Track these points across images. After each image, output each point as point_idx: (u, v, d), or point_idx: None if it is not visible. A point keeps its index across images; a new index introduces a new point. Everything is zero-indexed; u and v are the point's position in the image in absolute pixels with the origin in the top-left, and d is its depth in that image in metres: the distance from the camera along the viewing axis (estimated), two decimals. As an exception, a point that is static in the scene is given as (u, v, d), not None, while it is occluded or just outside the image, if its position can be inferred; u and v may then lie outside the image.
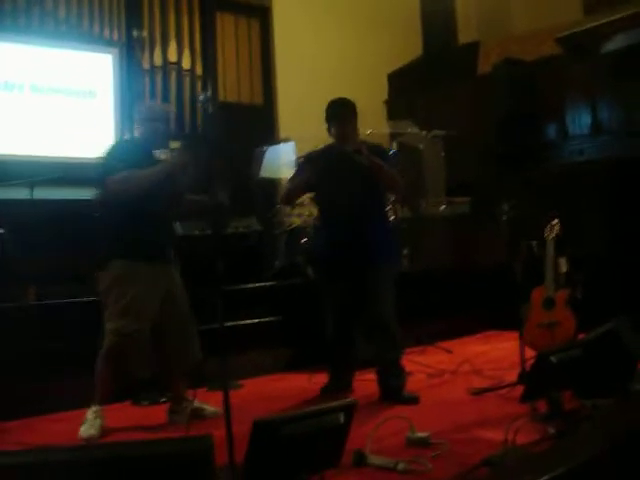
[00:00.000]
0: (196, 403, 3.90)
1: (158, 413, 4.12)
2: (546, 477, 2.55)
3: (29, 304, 4.86)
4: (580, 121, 7.55)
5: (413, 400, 4.11)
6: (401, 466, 2.82)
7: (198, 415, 3.89)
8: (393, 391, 4.21)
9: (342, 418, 2.45)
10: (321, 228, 4.62)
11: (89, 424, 3.67)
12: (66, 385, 4.26)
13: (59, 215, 5.71)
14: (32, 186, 5.58)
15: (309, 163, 4.48)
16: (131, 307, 3.71)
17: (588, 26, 7.28)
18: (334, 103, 4.33)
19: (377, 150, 4.40)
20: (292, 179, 4.59)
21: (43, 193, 5.73)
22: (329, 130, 4.33)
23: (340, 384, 4.45)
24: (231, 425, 2.78)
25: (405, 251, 6.94)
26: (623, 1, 7.36)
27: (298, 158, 4.65)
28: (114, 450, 2.07)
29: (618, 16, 7.00)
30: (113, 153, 3.92)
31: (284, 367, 5.25)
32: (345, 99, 4.33)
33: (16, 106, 6.64)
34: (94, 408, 3.74)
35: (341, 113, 4.29)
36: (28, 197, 5.57)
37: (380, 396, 4.25)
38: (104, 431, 3.70)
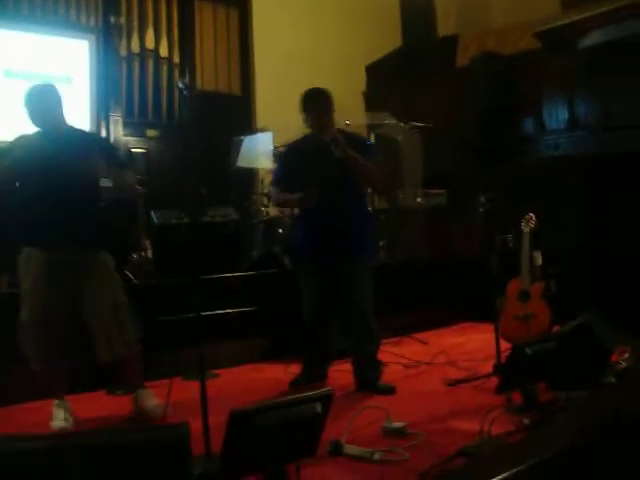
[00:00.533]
0: (143, 396, 3.84)
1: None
2: (521, 467, 2.57)
3: (1, 292, 4.81)
4: (557, 116, 7.58)
5: (389, 390, 4.12)
6: (377, 456, 2.83)
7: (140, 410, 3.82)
8: (369, 382, 4.22)
9: (319, 408, 2.45)
10: (300, 218, 4.57)
11: (56, 417, 3.64)
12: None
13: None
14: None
15: (286, 157, 4.50)
16: (29, 297, 3.63)
17: (566, 21, 7.31)
18: (310, 93, 4.28)
19: (356, 140, 4.37)
20: (275, 184, 4.58)
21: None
22: (305, 120, 4.29)
23: (312, 376, 4.42)
24: (207, 415, 2.78)
25: (382, 242, 6.95)
26: (600, -3, 7.40)
27: (275, 149, 4.58)
28: (90, 438, 2.05)
29: (596, 12, 7.03)
30: (13, 144, 3.86)
31: (261, 357, 5.24)
32: (321, 89, 4.29)
33: (-10, 91, 6.56)
34: (55, 402, 3.71)
35: (318, 103, 4.24)
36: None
37: (356, 387, 4.26)
38: (76, 421, 3.67)
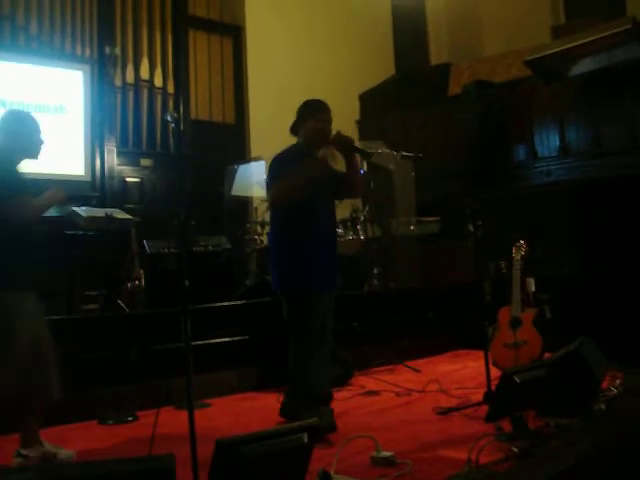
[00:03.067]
0: (49, 446, 3.57)
1: (123, 432, 4.10)
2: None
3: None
4: (548, 142, 7.66)
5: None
6: (366, 486, 2.83)
7: (50, 459, 3.52)
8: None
9: (305, 438, 2.45)
10: (303, 242, 4.04)
11: None
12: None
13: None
14: (0, 202, 5.54)
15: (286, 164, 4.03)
16: None
17: (556, 49, 7.40)
18: (317, 101, 4.15)
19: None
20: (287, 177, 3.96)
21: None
22: (303, 128, 4.10)
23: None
24: (196, 445, 2.78)
25: (375, 270, 6.97)
26: (590, 26, 7.49)
27: (274, 162, 4.13)
28: (75, 469, 2.06)
29: (586, 40, 7.12)
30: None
31: (253, 386, 5.23)
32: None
33: (-15, 122, 6.61)
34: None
35: (327, 107, 4.11)
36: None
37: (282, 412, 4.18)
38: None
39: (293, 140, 4.23)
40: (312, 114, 4.11)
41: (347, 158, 4.12)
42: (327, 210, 4.17)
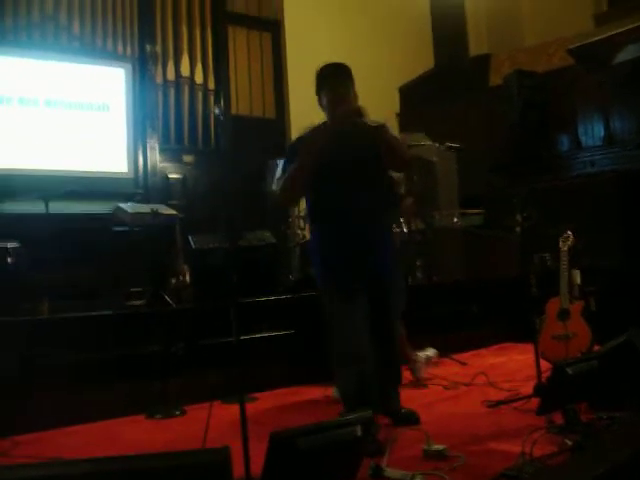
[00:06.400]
0: None
1: (171, 426, 4.12)
2: (564, 489, 2.54)
3: (43, 318, 4.87)
4: (592, 132, 7.56)
5: (414, 419, 3.78)
6: (418, 479, 2.80)
7: None
8: (393, 413, 3.84)
9: (359, 431, 2.44)
10: (325, 229, 3.75)
11: None
12: (81, 399, 4.27)
13: (73, 229, 5.74)
14: (47, 200, 5.61)
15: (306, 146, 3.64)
16: None
17: (600, 37, 7.27)
18: (326, 66, 3.77)
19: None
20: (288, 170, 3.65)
21: (58, 207, 5.75)
22: (321, 101, 3.76)
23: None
24: (247, 438, 2.78)
25: (418, 263, 6.93)
26: (634, 12, 7.36)
27: (289, 146, 3.84)
28: (129, 463, 2.06)
29: (630, 27, 6.99)
30: None
31: (299, 380, 5.22)
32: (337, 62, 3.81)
33: (31, 121, 6.70)
34: None
35: (335, 73, 3.74)
36: (43, 211, 5.59)
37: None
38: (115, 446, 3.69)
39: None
40: (324, 84, 3.75)
41: None
42: (353, 196, 3.60)
